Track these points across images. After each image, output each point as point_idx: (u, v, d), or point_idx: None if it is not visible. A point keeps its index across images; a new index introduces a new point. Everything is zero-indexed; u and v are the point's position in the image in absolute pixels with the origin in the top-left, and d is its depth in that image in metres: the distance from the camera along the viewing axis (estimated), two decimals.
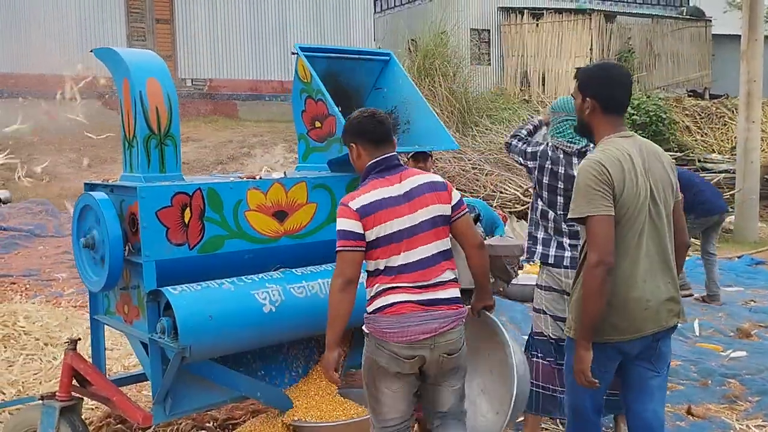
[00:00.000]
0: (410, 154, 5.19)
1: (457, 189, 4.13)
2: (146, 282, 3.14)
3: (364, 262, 2.81)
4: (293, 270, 3.51)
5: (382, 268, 2.77)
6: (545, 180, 3.75)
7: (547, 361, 3.64)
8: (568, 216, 2.72)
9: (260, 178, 3.52)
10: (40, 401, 3.30)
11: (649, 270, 2.65)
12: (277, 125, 15.66)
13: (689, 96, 19.10)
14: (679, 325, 2.82)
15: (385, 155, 2.87)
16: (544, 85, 19.14)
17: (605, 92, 2.70)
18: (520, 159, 3.91)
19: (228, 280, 3.26)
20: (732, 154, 15.60)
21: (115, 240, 3.14)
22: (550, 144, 3.81)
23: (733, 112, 17.42)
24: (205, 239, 3.30)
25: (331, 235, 3.70)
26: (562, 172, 3.65)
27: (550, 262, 3.65)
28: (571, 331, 2.72)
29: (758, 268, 7.91)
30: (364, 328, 2.81)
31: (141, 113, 3.22)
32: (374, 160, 2.85)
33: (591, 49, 18.19)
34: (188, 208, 3.24)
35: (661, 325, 2.70)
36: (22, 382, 4.35)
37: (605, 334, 2.65)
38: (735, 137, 16.44)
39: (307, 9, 18.19)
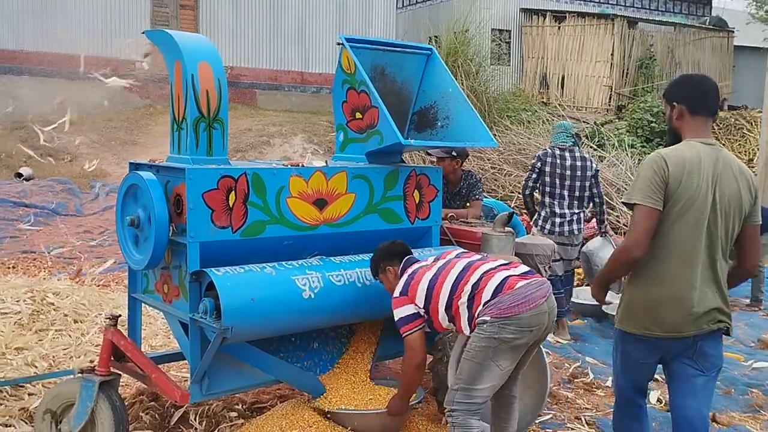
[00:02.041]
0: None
1: None
2: (190, 263, 3.18)
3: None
4: (332, 258, 3.55)
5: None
6: (547, 169, 5.72)
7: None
8: (622, 199, 2.87)
9: (303, 165, 3.55)
10: (80, 375, 3.35)
11: (701, 277, 2.73)
12: (295, 115, 15.72)
13: None
14: (725, 333, 2.86)
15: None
16: (562, 88, 19.10)
17: (691, 95, 2.82)
18: (533, 176, 5.82)
19: (269, 264, 3.31)
20: (750, 166, 15.54)
21: (161, 220, 3.18)
22: (549, 147, 5.91)
23: (751, 124, 17.36)
24: (248, 223, 3.34)
25: (367, 226, 3.78)
26: (559, 162, 5.72)
27: (545, 232, 5.72)
28: (618, 322, 2.91)
29: None
30: (483, 317, 2.97)
31: (192, 96, 3.26)
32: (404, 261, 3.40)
33: (612, 55, 18.13)
34: (233, 192, 3.28)
35: (702, 329, 2.76)
36: (53, 357, 4.40)
37: (645, 329, 2.78)
38: (753, 149, 16.40)
39: (330, 3, 18.23)
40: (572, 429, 3.85)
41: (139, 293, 3.70)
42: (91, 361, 4.44)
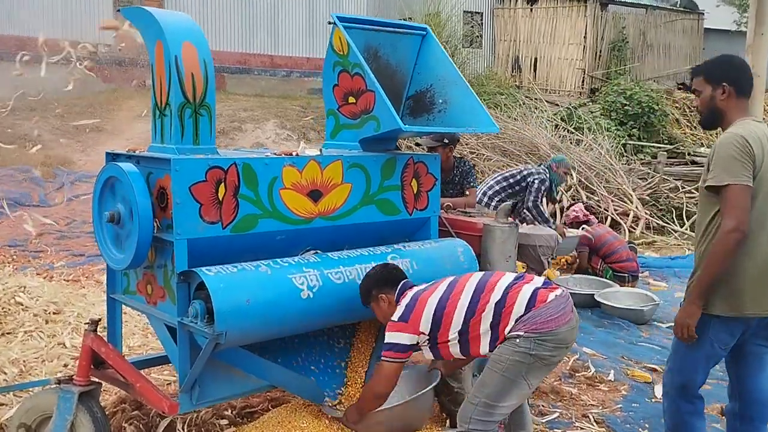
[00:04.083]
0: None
1: None
2: (178, 262, 2.91)
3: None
4: (329, 254, 3.32)
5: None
6: None
7: None
8: (706, 184, 2.79)
9: (297, 154, 3.30)
10: (57, 385, 3.07)
11: None
12: (266, 100, 15.33)
13: (679, 88, 19.09)
14: None
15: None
16: (535, 71, 18.98)
17: (740, 76, 2.90)
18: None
19: (263, 262, 3.05)
20: None
21: (145, 216, 2.90)
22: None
23: None
24: (239, 218, 3.08)
25: (364, 218, 3.54)
26: None
27: None
28: (708, 307, 2.81)
29: None
30: (517, 332, 2.76)
31: (176, 79, 2.98)
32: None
33: (585, 37, 18.04)
34: (223, 184, 3.02)
35: None
36: (23, 361, 4.10)
37: (745, 309, 2.78)
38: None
39: None
40: (581, 429, 3.69)
41: (118, 294, 3.41)
42: (65, 365, 4.16)
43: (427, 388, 3.29)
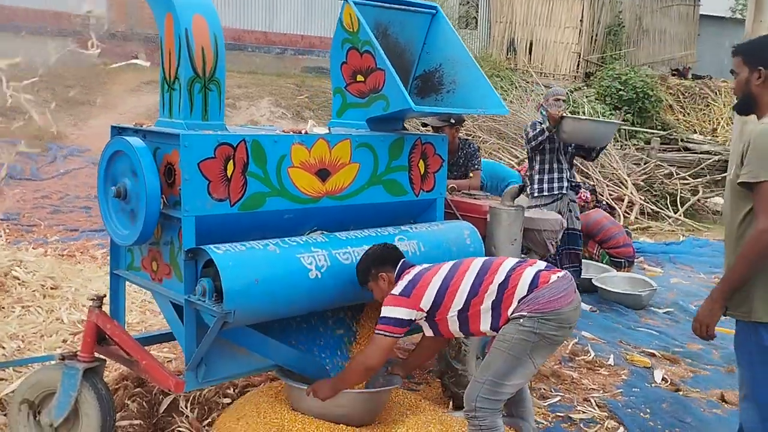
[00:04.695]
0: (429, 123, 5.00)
1: None
2: (185, 239, 2.88)
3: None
4: (337, 234, 3.28)
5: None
6: None
7: None
8: (739, 180, 2.58)
9: (305, 132, 3.25)
10: (61, 362, 3.03)
11: None
12: (260, 77, 15.16)
13: (673, 74, 19.08)
14: None
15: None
16: (530, 53, 18.89)
17: None
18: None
19: (272, 241, 3.02)
20: (714, 136, 15.64)
21: (153, 192, 2.85)
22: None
23: (716, 93, 17.45)
24: (247, 195, 3.04)
25: (371, 198, 3.51)
26: None
27: None
28: (751, 314, 2.60)
29: None
30: (521, 313, 2.78)
31: (186, 53, 2.92)
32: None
33: (581, 21, 17.96)
34: (231, 161, 2.97)
35: None
36: (22, 336, 4.06)
37: None
38: (717, 118, 16.51)
39: None
40: (584, 412, 3.69)
41: (122, 270, 3.37)
42: (64, 341, 4.13)
43: (391, 387, 3.32)
